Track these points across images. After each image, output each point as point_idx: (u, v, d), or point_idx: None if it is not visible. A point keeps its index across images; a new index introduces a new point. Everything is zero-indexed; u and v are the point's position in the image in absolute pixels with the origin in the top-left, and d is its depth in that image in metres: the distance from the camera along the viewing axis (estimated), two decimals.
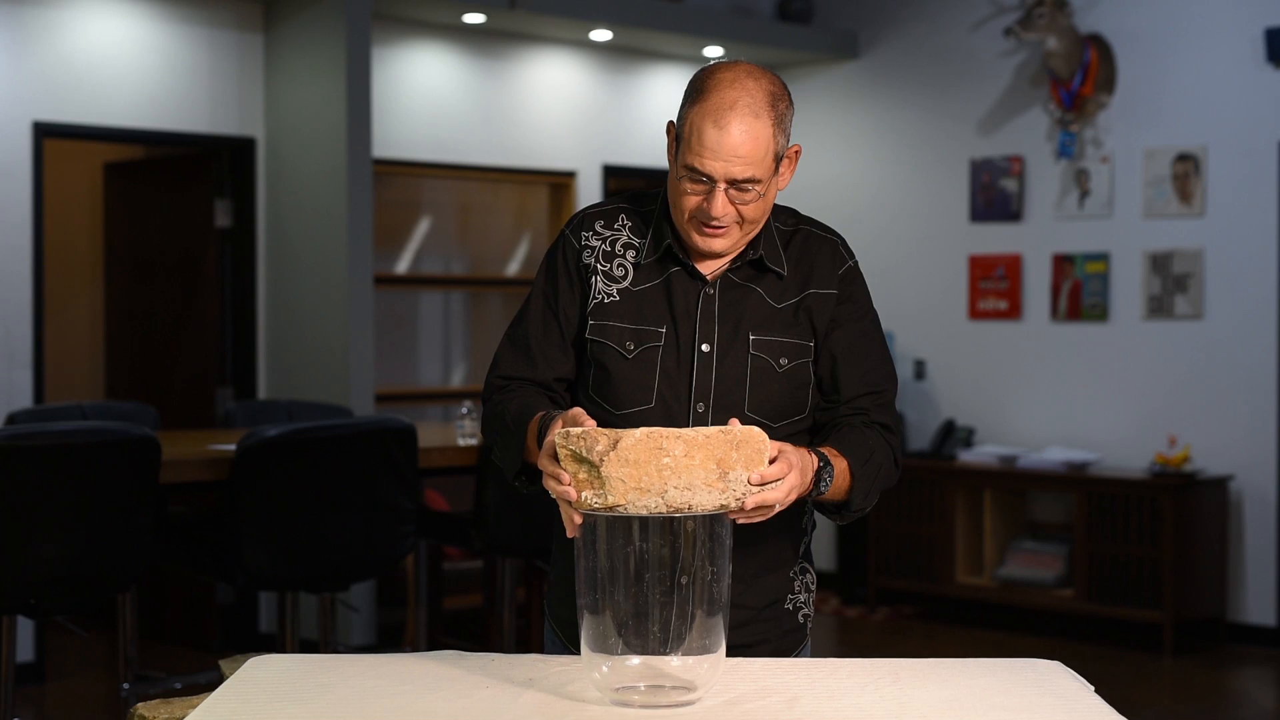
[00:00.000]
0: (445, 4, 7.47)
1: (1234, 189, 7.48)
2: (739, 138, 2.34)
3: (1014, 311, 8.24)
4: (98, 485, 4.33)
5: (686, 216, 2.43)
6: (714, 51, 8.68)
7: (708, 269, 2.49)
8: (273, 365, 7.31)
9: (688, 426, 2.40)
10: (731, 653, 2.27)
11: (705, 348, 2.46)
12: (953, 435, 8.23)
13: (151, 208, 7.72)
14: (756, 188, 2.38)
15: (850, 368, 2.50)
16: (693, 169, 2.37)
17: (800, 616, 2.61)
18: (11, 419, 5.27)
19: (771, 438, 2.41)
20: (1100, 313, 7.91)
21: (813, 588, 2.64)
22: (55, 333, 7.73)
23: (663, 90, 8.74)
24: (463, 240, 8.86)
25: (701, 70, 2.44)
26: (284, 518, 4.68)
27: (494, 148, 8.14)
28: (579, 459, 2.14)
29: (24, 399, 6.54)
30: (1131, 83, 7.80)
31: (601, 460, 2.10)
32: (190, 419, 7.24)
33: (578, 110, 8.45)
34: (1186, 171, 7.60)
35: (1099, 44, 7.83)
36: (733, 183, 2.37)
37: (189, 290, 7.47)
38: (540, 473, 2.41)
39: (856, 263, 2.57)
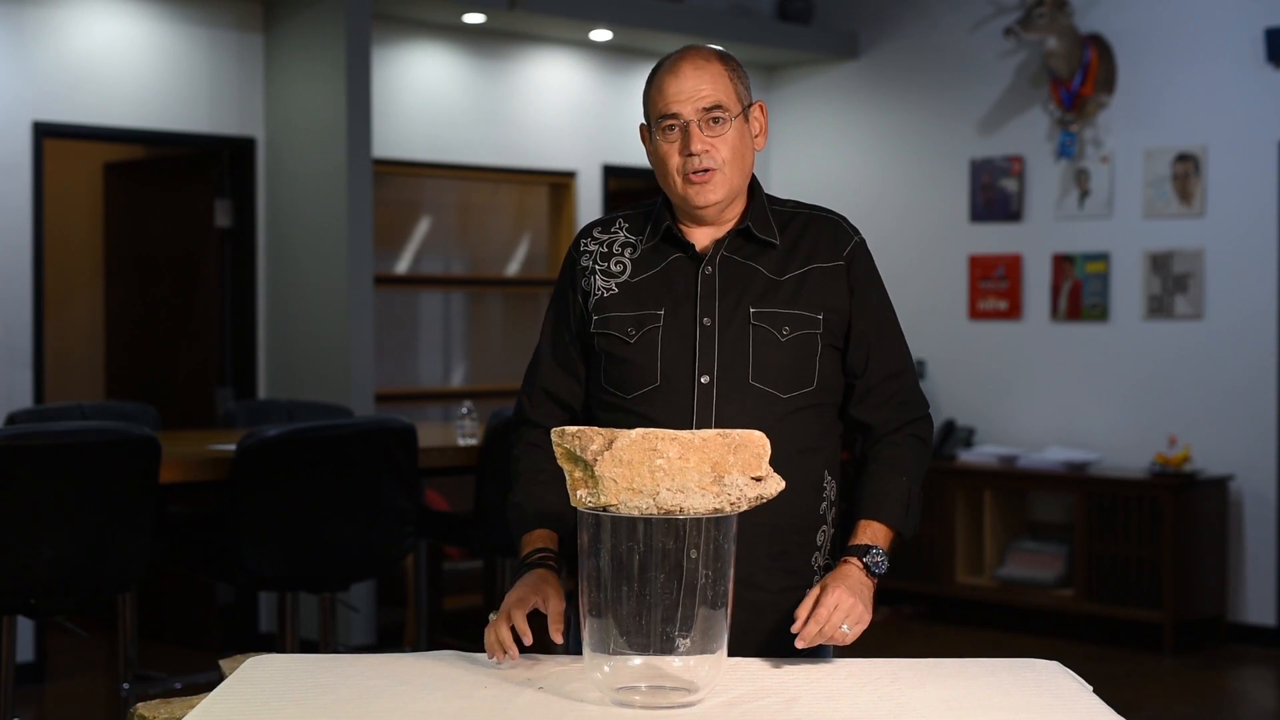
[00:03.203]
0: (445, 4, 7.47)
1: (1234, 189, 7.47)
2: (695, 76, 2.52)
3: (1014, 311, 8.24)
4: (98, 485, 4.33)
5: (676, 173, 2.53)
6: None
7: (703, 242, 2.58)
8: (273, 365, 7.31)
9: (692, 400, 2.49)
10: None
11: (706, 321, 2.53)
12: (953, 435, 8.23)
13: (151, 208, 7.71)
14: (726, 115, 2.51)
15: (867, 354, 2.60)
16: (663, 116, 2.52)
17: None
18: (11, 419, 5.27)
19: (779, 408, 2.46)
20: (1100, 313, 7.91)
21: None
22: (55, 333, 7.72)
23: None
24: (463, 240, 8.86)
25: None
26: (284, 518, 4.68)
27: (494, 148, 8.14)
28: (574, 458, 2.15)
29: (24, 399, 6.54)
30: (1131, 83, 7.79)
31: (595, 460, 2.11)
32: (190, 419, 7.24)
33: (578, 110, 8.45)
34: (1186, 171, 7.59)
35: (1099, 44, 7.83)
36: (704, 114, 2.51)
37: (189, 290, 7.46)
38: (533, 555, 2.56)
39: (862, 238, 2.68)
